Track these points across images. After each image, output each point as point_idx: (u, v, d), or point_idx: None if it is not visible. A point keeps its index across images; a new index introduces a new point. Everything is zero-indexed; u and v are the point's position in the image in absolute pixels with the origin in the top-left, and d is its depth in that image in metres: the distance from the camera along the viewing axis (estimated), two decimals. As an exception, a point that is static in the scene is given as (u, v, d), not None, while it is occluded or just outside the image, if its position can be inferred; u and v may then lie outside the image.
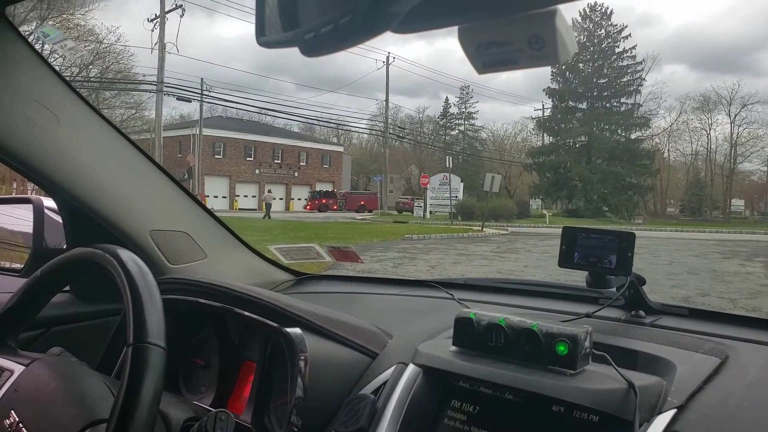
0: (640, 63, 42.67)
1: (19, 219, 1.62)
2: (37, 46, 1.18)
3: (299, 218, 27.88)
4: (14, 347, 1.03)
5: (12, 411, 0.87)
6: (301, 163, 47.34)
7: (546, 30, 0.43)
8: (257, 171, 44.00)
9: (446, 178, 30.84)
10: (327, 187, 45.95)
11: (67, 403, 0.84)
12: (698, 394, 0.83)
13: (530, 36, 0.43)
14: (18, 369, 0.95)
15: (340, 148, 52.81)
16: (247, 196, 42.96)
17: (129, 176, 1.41)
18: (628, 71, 42.76)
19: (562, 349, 0.83)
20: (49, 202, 1.52)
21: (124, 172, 1.40)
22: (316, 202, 41.22)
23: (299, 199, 44.92)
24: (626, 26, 43.00)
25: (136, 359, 0.76)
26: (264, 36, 0.48)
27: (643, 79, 42.73)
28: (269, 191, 35.53)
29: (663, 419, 0.78)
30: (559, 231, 1.17)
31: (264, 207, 29.96)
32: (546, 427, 0.84)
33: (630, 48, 42.50)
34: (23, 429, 0.83)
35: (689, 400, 0.81)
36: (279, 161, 45.83)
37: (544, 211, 38.14)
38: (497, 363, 0.87)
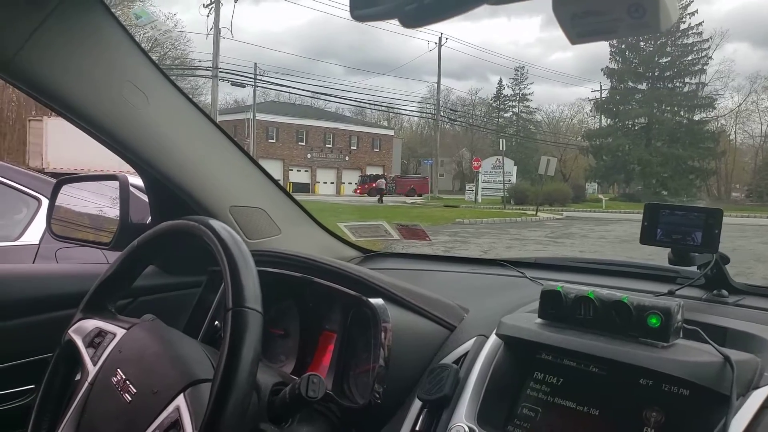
0: (707, 40, 40.70)
1: (106, 195, 1.70)
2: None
3: (349, 202, 28.12)
4: (114, 312, 1.09)
5: (118, 369, 0.94)
6: (351, 147, 47.75)
7: None
8: (309, 155, 44.77)
9: (499, 162, 30.42)
10: (377, 171, 46.18)
11: (169, 364, 0.89)
12: None
13: (630, 4, 0.41)
14: (120, 332, 1.01)
15: (391, 132, 52.89)
16: (300, 170, 44.59)
17: (211, 154, 1.46)
18: (694, 49, 40.83)
19: (654, 321, 0.82)
20: (133, 180, 1.59)
21: (207, 149, 1.45)
22: (366, 186, 41.51)
23: (349, 183, 45.46)
24: (692, 1, 40.83)
25: (236, 323, 0.79)
26: (359, 9, 0.47)
27: (710, 57, 40.81)
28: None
29: (760, 394, 0.77)
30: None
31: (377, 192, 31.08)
32: (633, 400, 0.84)
33: (696, 24, 40.56)
34: (130, 385, 0.89)
35: None
36: (330, 145, 46.41)
37: (601, 196, 37.11)
38: (586, 335, 0.87)
